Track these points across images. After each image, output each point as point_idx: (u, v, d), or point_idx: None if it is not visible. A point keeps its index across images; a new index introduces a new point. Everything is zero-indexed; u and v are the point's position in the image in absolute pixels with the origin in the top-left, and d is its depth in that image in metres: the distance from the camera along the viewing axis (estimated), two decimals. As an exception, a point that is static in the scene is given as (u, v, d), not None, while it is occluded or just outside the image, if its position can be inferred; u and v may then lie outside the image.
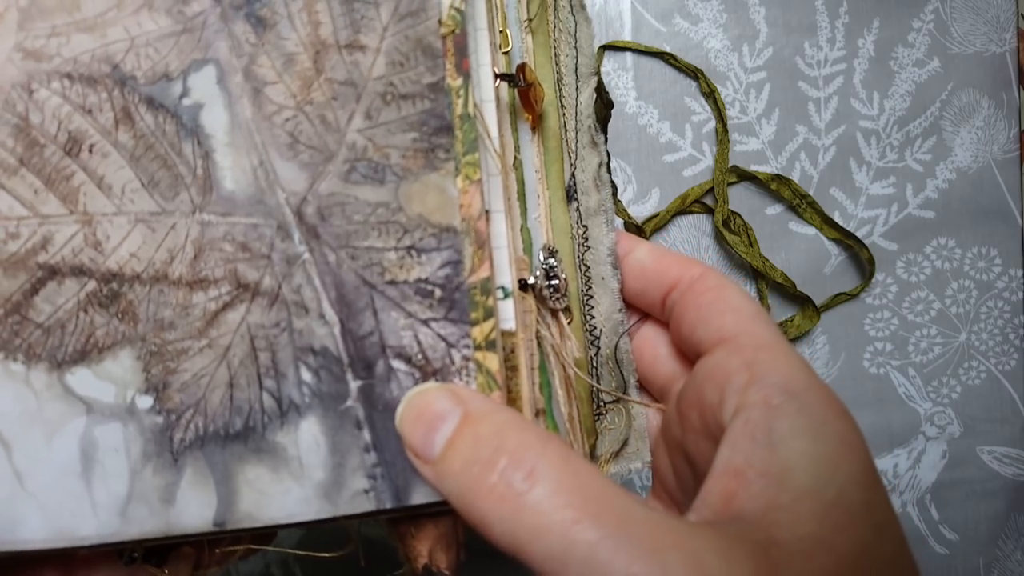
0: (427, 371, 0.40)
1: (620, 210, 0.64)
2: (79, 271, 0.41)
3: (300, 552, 0.55)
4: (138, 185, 0.42)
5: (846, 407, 0.35)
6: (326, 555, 0.48)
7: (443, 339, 0.40)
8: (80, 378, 0.41)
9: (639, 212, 0.80)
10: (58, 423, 0.41)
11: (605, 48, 0.81)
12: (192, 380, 0.41)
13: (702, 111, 0.81)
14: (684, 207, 0.80)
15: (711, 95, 0.80)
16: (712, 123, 0.81)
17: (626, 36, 0.81)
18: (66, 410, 0.41)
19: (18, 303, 0.42)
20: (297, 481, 0.40)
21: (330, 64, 0.41)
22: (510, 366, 0.42)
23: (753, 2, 0.81)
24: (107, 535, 0.41)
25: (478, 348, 0.39)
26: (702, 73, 0.80)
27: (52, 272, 0.42)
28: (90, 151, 0.42)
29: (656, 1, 0.81)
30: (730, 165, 0.80)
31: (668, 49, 0.81)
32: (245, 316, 0.41)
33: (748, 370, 0.37)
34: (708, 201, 0.80)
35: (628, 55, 0.81)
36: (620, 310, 0.48)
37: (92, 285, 0.41)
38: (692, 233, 0.81)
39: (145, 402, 0.41)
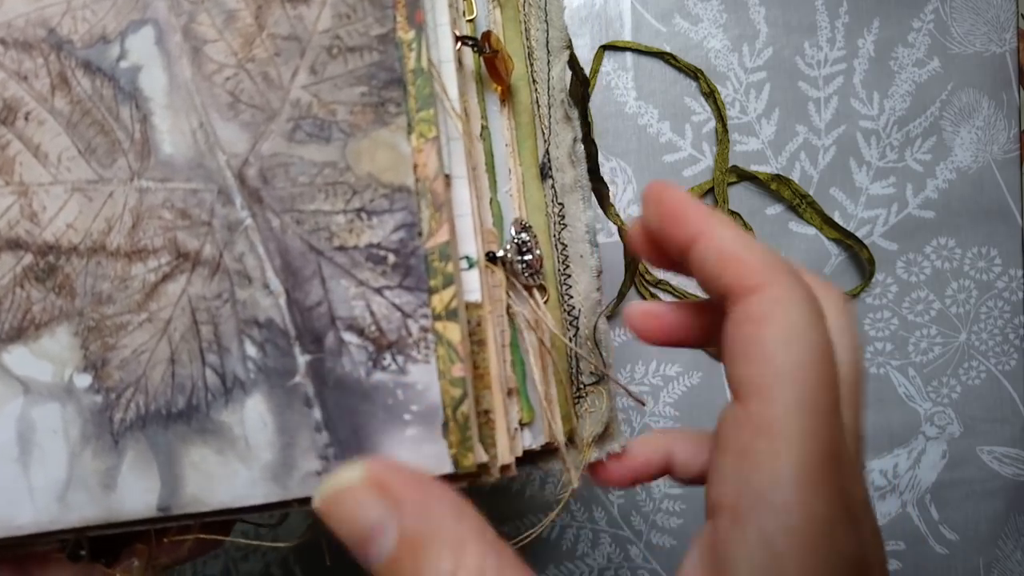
0: (381, 344, 0.36)
1: (614, 215, 0.62)
2: (15, 244, 0.39)
3: (276, 544, 0.52)
4: (75, 153, 0.39)
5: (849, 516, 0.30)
6: (287, 544, 0.46)
7: (398, 308, 0.36)
8: (17, 357, 0.39)
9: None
10: None
11: (605, 48, 0.78)
12: (132, 356, 0.38)
13: (702, 111, 0.78)
14: None
15: (711, 95, 0.77)
16: (712, 123, 0.78)
17: (626, 36, 0.79)
18: (2, 391, 0.39)
19: (-48, 279, 0.36)
20: (244, 463, 0.37)
21: (273, 19, 0.38)
22: (476, 340, 0.38)
23: (753, 2, 0.78)
24: (45, 523, 0.39)
25: (437, 318, 0.36)
26: (702, 73, 0.77)
27: None
28: (26, 119, 0.39)
29: (656, 1, 0.79)
30: (730, 165, 0.77)
31: (668, 49, 0.78)
32: (186, 287, 0.38)
33: (732, 512, 0.31)
34: (708, 201, 0.77)
35: (628, 55, 0.78)
36: (598, 289, 0.45)
37: (28, 259, 0.38)
38: None
39: (83, 380, 0.38)
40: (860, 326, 0.78)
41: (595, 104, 0.77)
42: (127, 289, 0.38)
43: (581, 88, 0.50)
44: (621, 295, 0.75)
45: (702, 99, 0.78)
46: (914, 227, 0.78)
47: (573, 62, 0.48)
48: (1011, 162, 0.78)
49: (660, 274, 0.76)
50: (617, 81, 0.78)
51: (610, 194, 0.56)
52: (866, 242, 0.77)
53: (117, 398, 0.38)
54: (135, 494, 0.38)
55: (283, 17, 0.38)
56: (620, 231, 0.68)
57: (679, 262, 0.36)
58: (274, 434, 0.37)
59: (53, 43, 0.39)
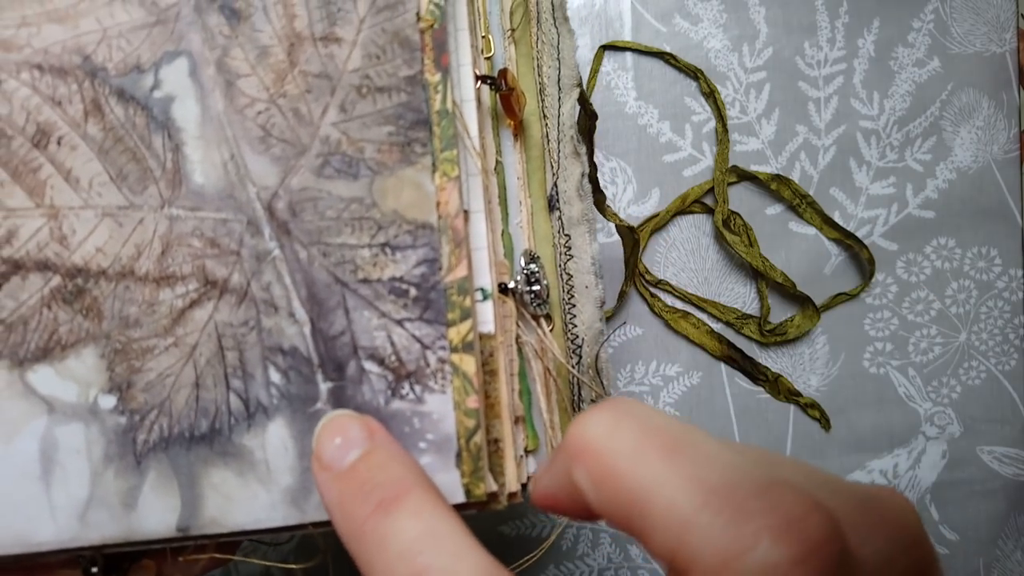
0: (400, 373, 0.37)
1: (611, 213, 0.61)
2: (44, 266, 0.39)
3: (270, 563, 0.51)
4: (106, 178, 0.39)
5: None
6: (294, 566, 0.46)
7: (418, 340, 0.37)
8: (42, 376, 0.39)
9: (639, 212, 0.77)
10: (18, 423, 0.39)
11: (605, 48, 0.78)
12: (157, 380, 0.39)
13: (702, 111, 0.78)
14: (684, 207, 0.77)
15: (711, 95, 0.77)
16: (712, 123, 0.78)
17: (626, 36, 0.78)
18: (27, 409, 0.39)
19: (-20, 299, 0.39)
20: (264, 486, 0.38)
21: (304, 57, 0.39)
22: (488, 370, 0.39)
23: (753, 2, 0.78)
24: (66, 540, 0.39)
25: (454, 350, 0.37)
26: (702, 73, 0.77)
27: (16, 267, 0.39)
28: (58, 143, 0.40)
29: (656, 1, 0.78)
30: (730, 165, 0.77)
31: (668, 49, 0.78)
32: (212, 314, 0.39)
33: None
34: (708, 201, 0.78)
35: (628, 55, 0.78)
36: (601, 319, 0.46)
37: (57, 280, 0.39)
38: (692, 233, 0.78)
39: (108, 402, 0.39)
40: (860, 326, 0.79)
41: (595, 104, 0.77)
42: (154, 314, 0.39)
43: (589, 121, 0.52)
44: (621, 295, 0.74)
45: (702, 99, 0.78)
46: (914, 227, 0.78)
47: (583, 99, 0.49)
48: (1011, 162, 0.78)
49: (660, 274, 0.75)
50: (617, 81, 0.78)
51: (605, 199, 0.55)
52: (866, 242, 0.77)
53: (141, 420, 0.39)
54: (155, 514, 0.39)
55: (315, 55, 0.39)
56: (618, 229, 0.67)
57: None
58: (295, 459, 0.38)
59: (88, 70, 0.40)
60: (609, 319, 0.75)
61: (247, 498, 0.38)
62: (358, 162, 0.38)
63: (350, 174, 0.38)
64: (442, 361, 0.37)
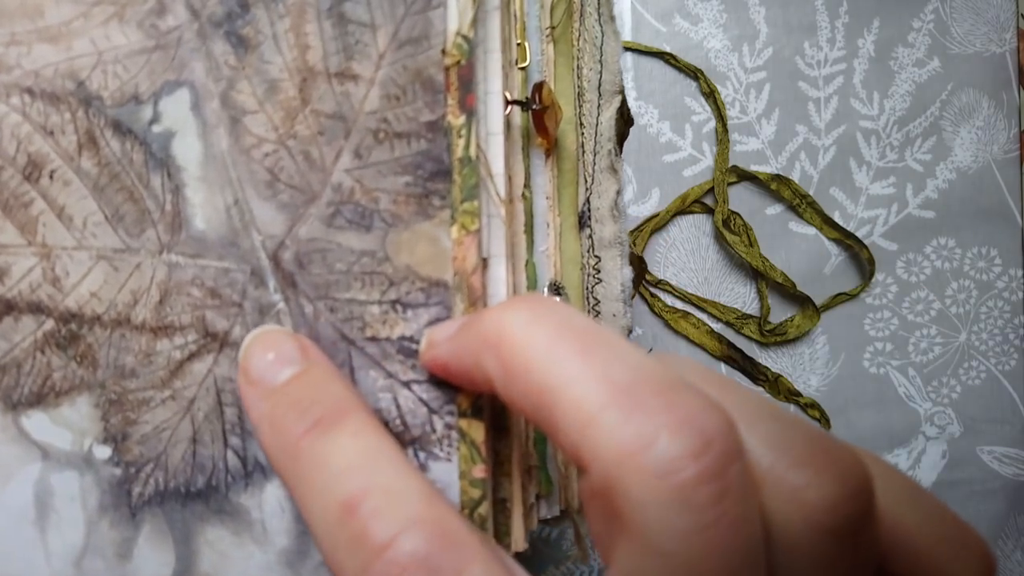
0: (404, 439, 0.35)
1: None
2: (36, 308, 0.37)
3: None
4: (101, 218, 0.37)
5: None
6: None
7: (425, 404, 0.35)
8: (36, 422, 0.38)
9: (639, 212, 0.76)
10: (12, 467, 0.38)
11: None
12: (153, 433, 0.37)
13: (702, 111, 0.77)
14: (684, 207, 0.75)
15: (711, 95, 0.76)
16: (712, 123, 0.77)
17: (626, 36, 0.77)
18: (21, 454, 0.38)
19: (-29, 339, 0.37)
20: (259, 546, 0.36)
21: (318, 94, 0.36)
22: (499, 427, 0.37)
23: (753, 2, 0.77)
24: None
25: (463, 415, 0.34)
26: (702, 73, 0.76)
27: (8, 307, 0.37)
28: (51, 177, 0.37)
29: (656, 1, 0.77)
30: (730, 165, 0.76)
31: (668, 49, 0.76)
32: (212, 368, 0.36)
33: None
34: (708, 201, 0.76)
35: (628, 55, 0.77)
36: None
37: (50, 324, 0.37)
38: (692, 233, 0.76)
39: (103, 452, 0.37)
40: (860, 326, 0.77)
41: None
42: (151, 364, 0.37)
43: (624, 127, 0.48)
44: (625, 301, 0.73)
45: (702, 99, 0.77)
46: (914, 227, 0.77)
47: (623, 106, 0.46)
48: (1011, 162, 0.77)
49: (660, 274, 0.74)
50: None
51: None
52: (866, 242, 0.76)
53: (136, 472, 0.37)
54: (150, 566, 0.37)
55: (328, 93, 0.36)
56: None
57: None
58: (291, 521, 0.36)
59: (82, 98, 0.37)
60: (609, 321, 0.74)
61: (242, 557, 0.37)
62: (372, 213, 0.35)
63: (362, 226, 0.35)
64: (449, 427, 0.34)
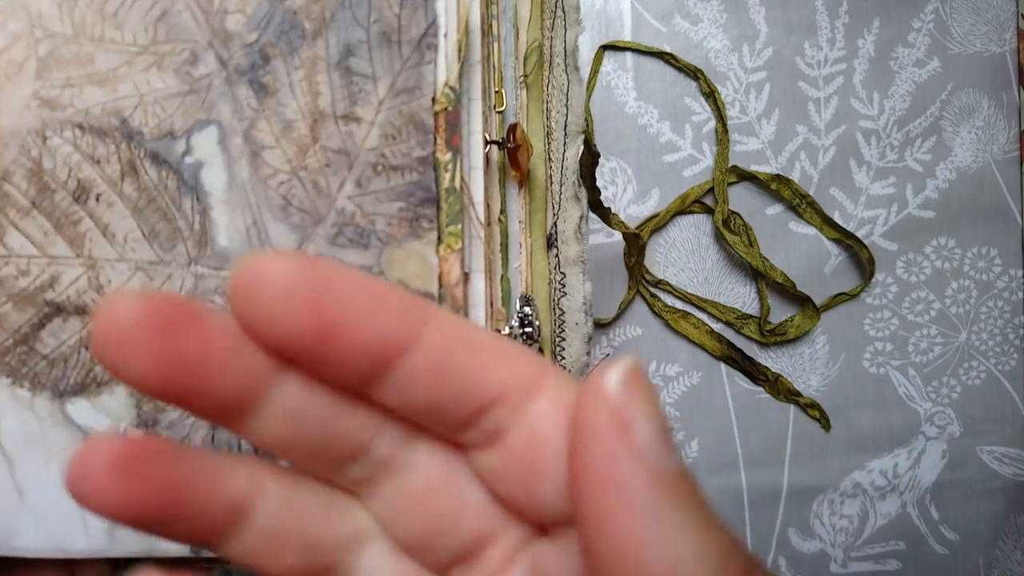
0: None
1: (617, 222, 0.59)
2: (82, 311, 0.43)
3: None
4: (139, 235, 0.43)
5: None
6: None
7: None
8: (79, 408, 0.43)
9: (639, 212, 0.77)
10: (58, 448, 0.44)
11: (605, 48, 0.78)
12: (178, 419, 0.43)
13: (702, 111, 0.77)
14: (684, 207, 0.76)
15: (711, 95, 0.77)
16: (712, 123, 0.78)
17: (626, 36, 0.78)
18: (66, 436, 0.43)
19: (26, 335, 0.43)
20: None
21: (326, 133, 0.42)
22: None
23: (753, 2, 0.78)
24: (96, 551, 0.44)
25: None
26: (702, 73, 0.77)
27: (58, 309, 0.43)
28: (97, 200, 0.43)
29: (656, 1, 0.78)
30: (730, 165, 0.77)
31: (668, 49, 0.77)
32: None
33: None
34: (708, 201, 0.77)
35: (628, 55, 0.78)
36: (587, 353, 0.49)
37: None
38: (692, 233, 0.77)
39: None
40: (860, 326, 0.78)
41: (595, 104, 0.77)
42: None
43: (591, 160, 0.53)
44: (624, 303, 0.72)
45: (702, 99, 0.78)
46: (914, 227, 0.78)
47: (588, 143, 0.51)
48: (1011, 162, 0.78)
49: (660, 274, 0.74)
50: (617, 81, 0.78)
51: (611, 212, 0.55)
52: (866, 242, 0.77)
53: None
54: None
55: (335, 132, 0.42)
56: (625, 237, 0.66)
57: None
58: None
59: (125, 132, 0.43)
60: (609, 324, 0.74)
61: None
62: (370, 234, 0.41)
63: (361, 244, 0.41)
64: None
